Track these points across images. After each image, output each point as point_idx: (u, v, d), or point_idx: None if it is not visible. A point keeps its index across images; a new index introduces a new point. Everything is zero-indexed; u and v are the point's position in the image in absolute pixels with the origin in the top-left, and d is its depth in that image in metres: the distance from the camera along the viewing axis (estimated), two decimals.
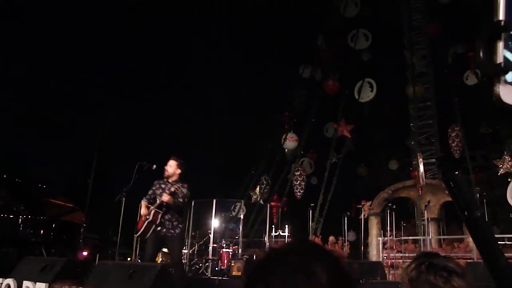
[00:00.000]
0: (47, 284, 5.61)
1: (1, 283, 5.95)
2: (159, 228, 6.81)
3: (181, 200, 6.90)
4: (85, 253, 12.21)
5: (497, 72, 1.49)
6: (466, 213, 1.49)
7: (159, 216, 6.80)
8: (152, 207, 6.85)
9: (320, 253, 1.12)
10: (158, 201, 6.87)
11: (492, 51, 1.52)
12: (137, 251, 12.40)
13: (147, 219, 6.80)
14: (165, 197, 6.73)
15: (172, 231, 6.85)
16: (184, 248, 13.79)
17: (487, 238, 1.53)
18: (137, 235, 6.96)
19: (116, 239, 7.96)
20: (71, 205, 12.30)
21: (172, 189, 6.81)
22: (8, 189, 11.25)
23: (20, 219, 10.27)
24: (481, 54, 1.53)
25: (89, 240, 12.61)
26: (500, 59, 1.50)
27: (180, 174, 7.10)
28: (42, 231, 10.43)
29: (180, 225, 7.02)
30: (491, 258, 1.51)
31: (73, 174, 28.09)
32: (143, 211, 6.90)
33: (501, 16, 1.54)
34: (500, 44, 1.52)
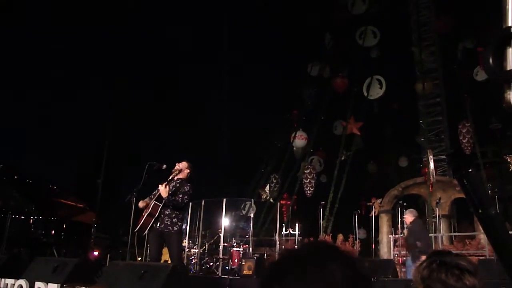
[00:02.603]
0: (59, 284, 5.63)
1: (14, 284, 5.98)
2: (157, 224, 6.80)
3: (180, 196, 6.89)
4: (96, 253, 12.27)
5: (508, 78, 1.47)
6: (480, 211, 1.47)
7: (159, 209, 6.77)
8: (152, 200, 6.85)
9: (334, 252, 1.13)
10: (157, 194, 6.88)
11: (502, 58, 1.50)
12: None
13: (146, 212, 6.80)
14: (161, 187, 6.73)
15: (170, 227, 6.79)
16: (194, 247, 13.85)
17: (501, 235, 1.51)
18: (135, 230, 6.92)
19: (127, 239, 7.98)
20: (81, 205, 12.34)
21: (171, 177, 6.87)
22: (19, 190, 11.30)
23: (31, 220, 10.32)
24: (490, 61, 1.51)
25: (100, 240, 12.67)
26: (510, 66, 1.48)
27: (187, 174, 7.13)
28: (53, 232, 10.48)
29: (179, 223, 6.95)
30: (506, 256, 1.49)
31: (84, 174, 28.24)
32: (141, 204, 6.91)
33: (510, 22, 1.52)
34: (510, 51, 1.50)
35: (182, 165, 7.12)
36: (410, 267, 9.24)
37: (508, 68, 1.49)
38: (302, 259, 1.10)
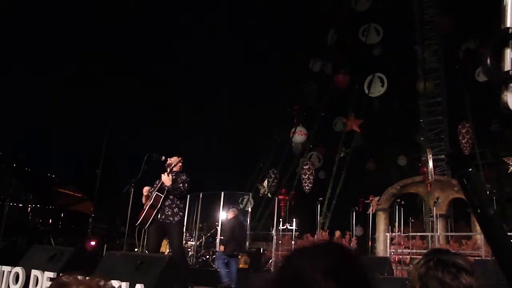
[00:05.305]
0: (55, 273, 5.63)
1: (10, 271, 5.98)
2: (158, 215, 6.80)
3: (180, 184, 6.91)
4: (93, 243, 12.27)
5: (505, 79, 1.47)
6: (479, 211, 1.47)
7: (161, 199, 6.78)
8: (154, 190, 6.85)
9: (336, 242, 1.34)
10: (159, 184, 6.88)
11: (500, 59, 1.50)
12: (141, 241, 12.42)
13: (148, 203, 6.79)
14: (164, 176, 6.75)
15: (171, 218, 6.80)
16: (191, 239, 13.87)
17: (499, 235, 1.51)
18: (137, 223, 6.92)
19: (124, 229, 7.98)
20: (79, 195, 12.35)
21: (170, 161, 6.92)
22: (18, 178, 11.30)
23: (29, 208, 10.34)
24: (488, 61, 1.50)
25: (97, 230, 12.67)
26: (508, 67, 1.48)
27: (180, 167, 7.16)
28: (50, 220, 10.50)
29: (180, 213, 6.96)
30: (503, 256, 1.49)
31: (82, 164, 28.27)
32: (145, 190, 6.93)
33: (509, 23, 1.52)
34: (508, 52, 1.49)
35: (174, 160, 7.14)
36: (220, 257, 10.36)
37: (506, 69, 1.49)
38: (320, 243, 1.31)
